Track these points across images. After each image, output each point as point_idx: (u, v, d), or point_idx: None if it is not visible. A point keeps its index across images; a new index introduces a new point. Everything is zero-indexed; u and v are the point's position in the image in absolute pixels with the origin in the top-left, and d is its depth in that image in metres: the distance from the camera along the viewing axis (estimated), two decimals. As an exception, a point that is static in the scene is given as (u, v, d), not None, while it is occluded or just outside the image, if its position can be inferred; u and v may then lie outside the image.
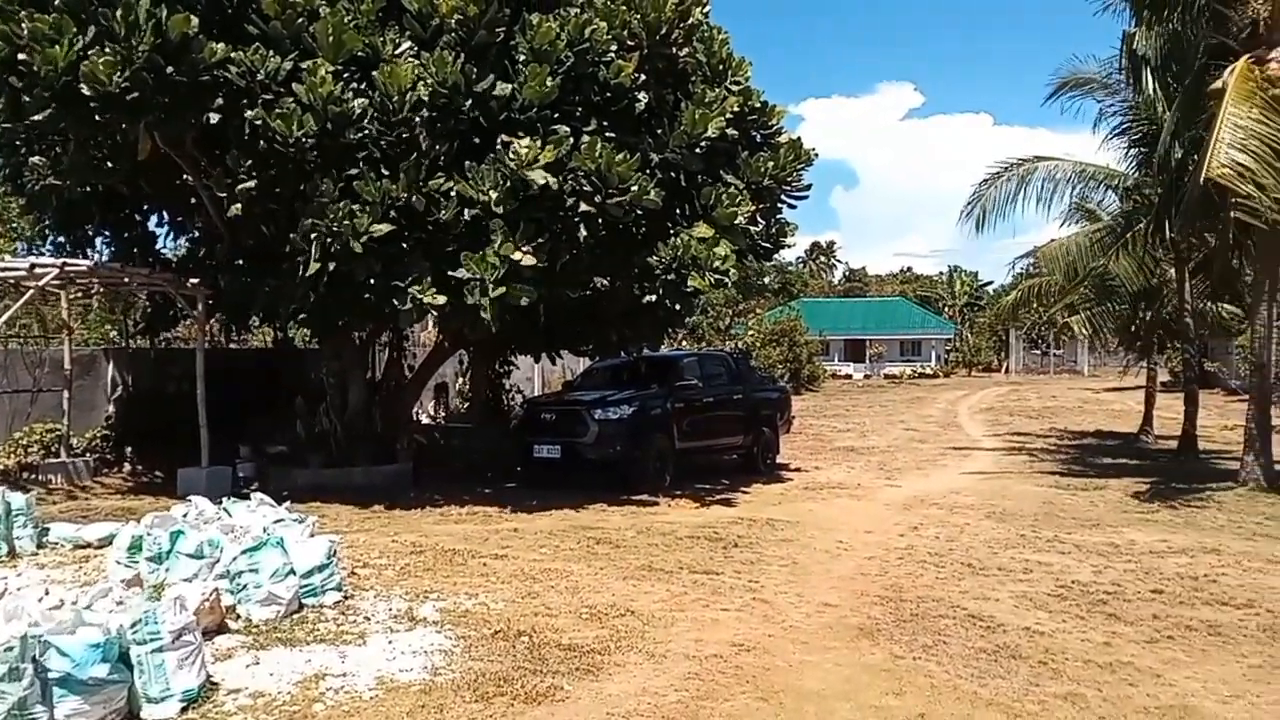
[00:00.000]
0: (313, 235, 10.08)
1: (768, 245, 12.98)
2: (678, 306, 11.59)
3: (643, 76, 11.04)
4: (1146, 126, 15.41)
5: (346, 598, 6.89)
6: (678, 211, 11.75)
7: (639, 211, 10.67)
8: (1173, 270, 17.87)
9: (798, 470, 15.36)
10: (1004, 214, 16.91)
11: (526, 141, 9.88)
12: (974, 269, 78.93)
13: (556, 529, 9.96)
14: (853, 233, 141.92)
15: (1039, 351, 61.73)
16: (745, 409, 15.00)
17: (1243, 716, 4.96)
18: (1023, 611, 6.88)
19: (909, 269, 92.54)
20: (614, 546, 9.04)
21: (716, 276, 10.83)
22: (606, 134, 10.72)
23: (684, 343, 36.71)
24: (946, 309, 70.01)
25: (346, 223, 9.94)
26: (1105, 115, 16.83)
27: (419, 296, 10.16)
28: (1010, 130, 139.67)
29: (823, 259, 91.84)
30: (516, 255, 9.83)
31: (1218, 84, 11.78)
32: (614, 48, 10.78)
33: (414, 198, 10.08)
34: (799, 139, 12.46)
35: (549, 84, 10.21)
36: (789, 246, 13.99)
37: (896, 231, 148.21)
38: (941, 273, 78.15)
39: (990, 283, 68.78)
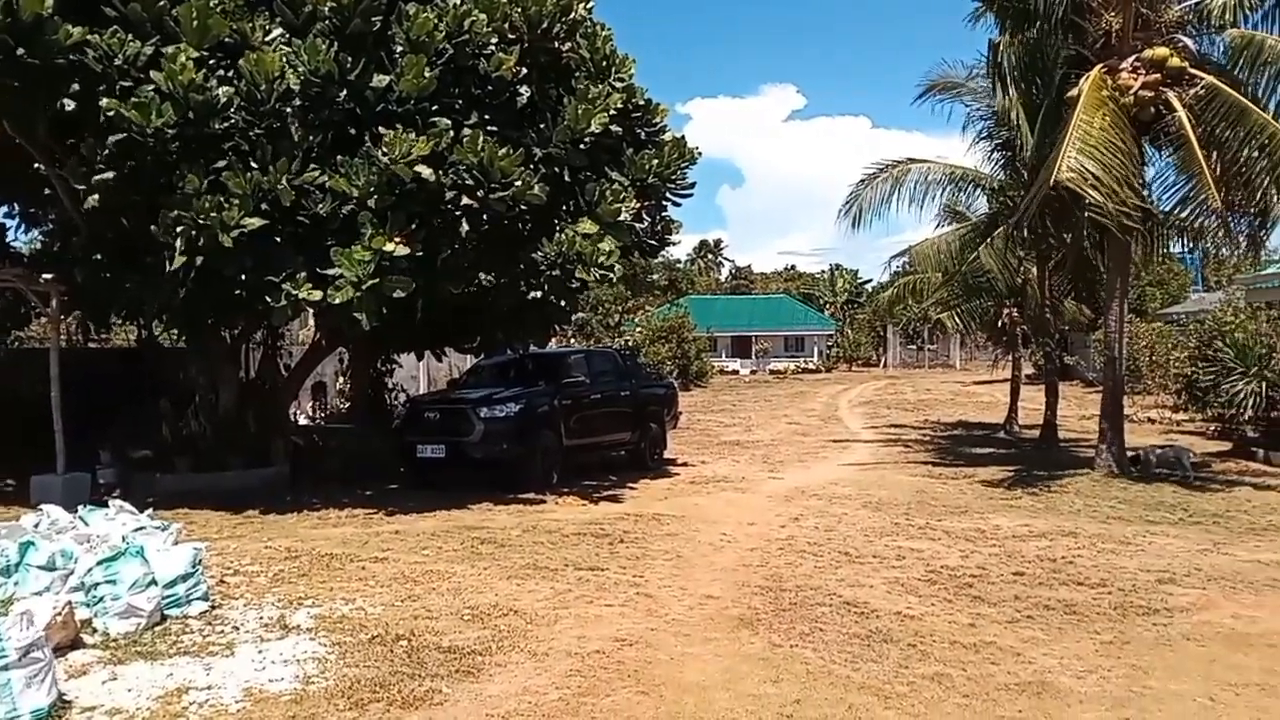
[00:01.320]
0: (178, 229, 9.60)
1: (653, 242, 13.07)
2: (563, 303, 11.57)
3: (525, 70, 10.97)
4: (1010, 131, 16.20)
5: (214, 607, 6.59)
6: (563, 208, 11.71)
7: (523, 207, 10.59)
8: (1035, 269, 18.86)
9: (685, 465, 15.53)
10: (879, 214, 17.48)
11: (402, 134, 9.64)
12: (855, 267, 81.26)
13: (440, 530, 9.78)
14: (739, 231, 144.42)
15: (914, 346, 64.22)
16: (633, 405, 15.06)
17: (1095, 689, 5.26)
18: (895, 597, 7.13)
19: (793, 267, 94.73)
20: (499, 546, 8.94)
21: (601, 272, 10.84)
22: (488, 128, 10.59)
23: (573, 340, 36.65)
24: (828, 306, 72.01)
25: (215, 216, 9.51)
26: (973, 119, 17.65)
27: (293, 293, 9.81)
28: (888, 133, 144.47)
29: (710, 257, 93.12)
30: (389, 246, 9.60)
31: (1073, 91, 12.49)
32: (494, 40, 10.66)
33: (286, 190, 9.72)
34: (683, 137, 12.59)
35: (427, 75, 10.01)
36: (674, 244, 14.14)
37: (781, 230, 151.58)
38: (824, 271, 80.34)
39: (869, 280, 71.05)
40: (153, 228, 9.85)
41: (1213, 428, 19.82)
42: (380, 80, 10.15)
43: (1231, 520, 10.29)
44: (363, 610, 6.65)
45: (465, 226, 10.47)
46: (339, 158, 10.04)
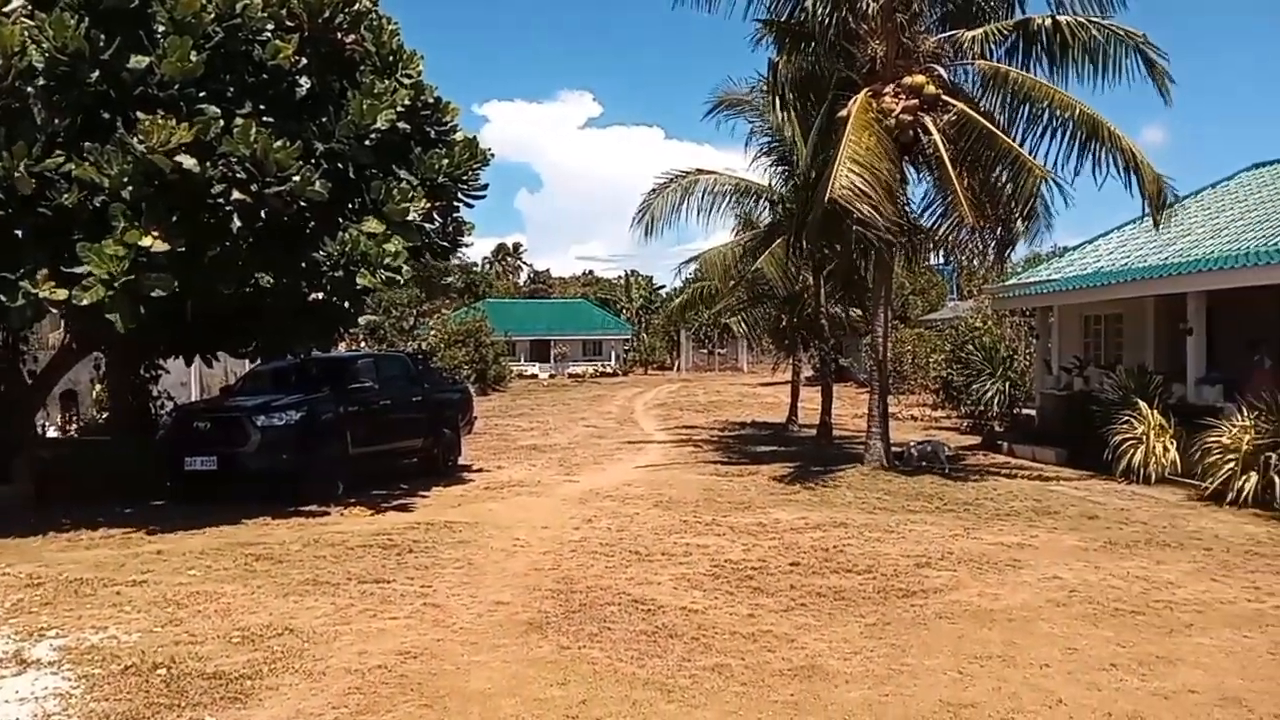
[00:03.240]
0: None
1: (445, 244, 12.78)
2: (348, 305, 11.09)
3: (305, 61, 10.43)
4: (788, 147, 17.13)
5: (-68, 647, 5.81)
6: (348, 206, 11.22)
7: (302, 203, 10.06)
8: (811, 277, 20.03)
9: (480, 471, 15.31)
10: (670, 222, 18.05)
11: (162, 120, 8.90)
12: (650, 273, 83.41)
13: (210, 548, 9.11)
14: (538, 235, 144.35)
15: (706, 350, 66.55)
16: (425, 411, 14.69)
17: (859, 669, 5.62)
18: (681, 593, 7.33)
19: (591, 272, 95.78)
20: (276, 562, 8.43)
21: (388, 274, 10.47)
22: (264, 118, 9.99)
23: (363, 344, 35.30)
24: (625, 311, 73.34)
25: (-63, 204, 8.42)
26: (756, 134, 18.53)
27: (32, 291, 8.84)
28: (680, 144, 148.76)
29: (509, 260, 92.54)
30: (146, 241, 8.85)
31: (844, 112, 13.36)
32: (271, 27, 10.08)
33: (25, 179, 8.74)
34: (475, 138, 12.41)
35: (193, 59, 9.31)
36: (467, 245, 13.90)
37: (579, 235, 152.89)
38: (620, 276, 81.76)
39: (664, 287, 73.04)
40: None
41: (966, 423, 21.85)
42: (139, 61, 9.34)
43: (980, 507, 11.34)
44: (115, 639, 6.08)
45: (237, 222, 9.82)
46: (88, 144, 9.14)
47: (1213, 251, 13.97)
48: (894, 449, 14.99)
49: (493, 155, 12.59)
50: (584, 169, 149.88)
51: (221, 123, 9.53)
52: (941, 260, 20.97)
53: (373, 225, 10.60)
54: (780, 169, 18.34)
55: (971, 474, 14.28)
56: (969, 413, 21.54)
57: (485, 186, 12.56)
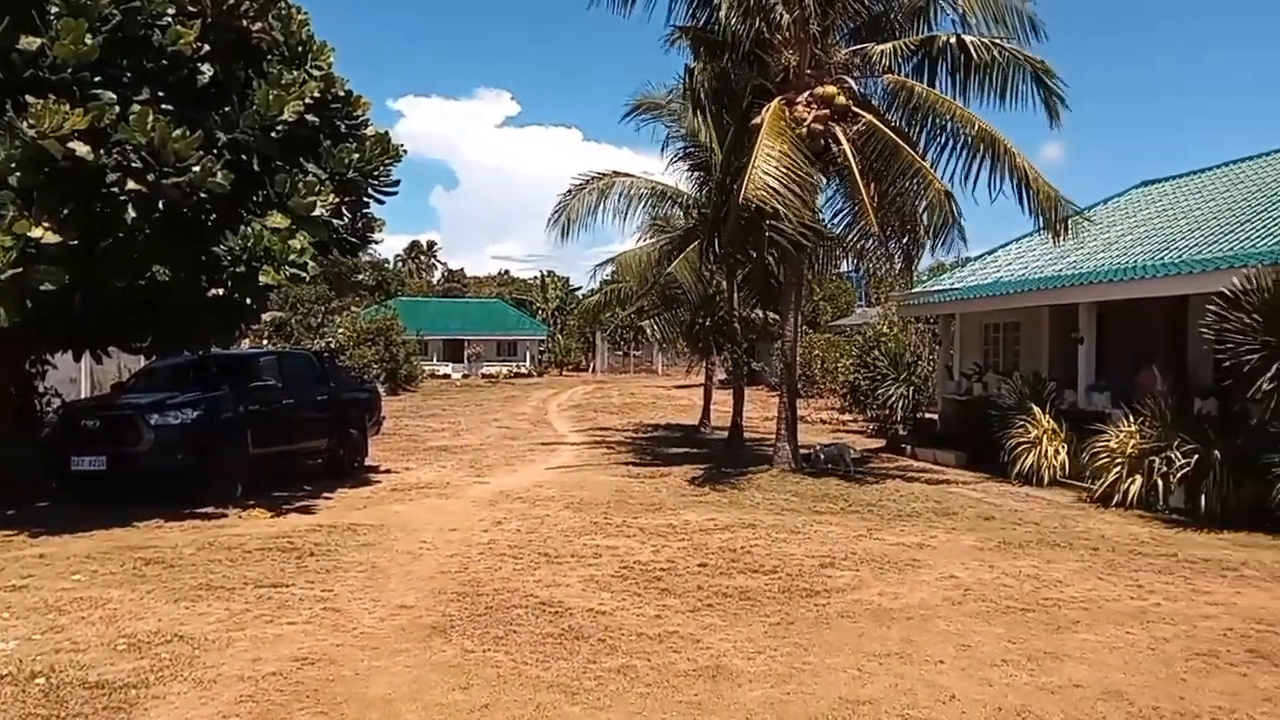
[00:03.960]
0: None
1: (353, 240, 12.48)
2: (249, 301, 10.74)
3: (208, 48, 10.06)
4: (704, 151, 17.30)
5: None
6: (252, 199, 10.86)
7: (203, 195, 9.70)
8: (725, 282, 20.26)
9: (387, 472, 15.02)
10: (587, 224, 18.05)
11: (54, 104, 8.49)
12: (567, 274, 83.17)
13: (97, 552, 8.70)
14: (453, 234, 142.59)
15: (621, 352, 66.76)
16: (331, 410, 14.35)
17: (763, 669, 5.69)
18: (589, 594, 7.32)
19: (507, 272, 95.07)
20: (167, 567, 8.11)
21: (293, 270, 10.18)
22: (163, 106, 9.61)
23: (268, 341, 34.28)
24: (540, 312, 73.03)
25: None
26: (672, 139, 18.65)
27: (-92, 281, 8.31)
28: (599, 146, 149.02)
29: (422, 258, 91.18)
30: (36, 232, 8.42)
31: (758, 119, 13.56)
32: (172, 12, 9.70)
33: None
34: (387, 133, 12.17)
35: (88, 42, 8.90)
36: (377, 242, 13.61)
37: (495, 235, 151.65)
38: (536, 277, 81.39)
39: (580, 288, 73.01)
40: None
41: (872, 427, 22.42)
42: (30, 43, 8.88)
43: (883, 508, 11.64)
44: (-11, 648, 5.75)
45: (133, 213, 9.41)
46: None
47: (1104, 264, 14.63)
48: (802, 451, 15.27)
49: (406, 151, 12.37)
50: (501, 168, 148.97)
51: (117, 109, 9.13)
52: (851, 268, 21.44)
53: (277, 219, 10.29)
54: (696, 174, 18.51)
55: (876, 476, 14.65)
56: (875, 416, 22.10)
57: (397, 183, 12.34)
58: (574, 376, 60.97)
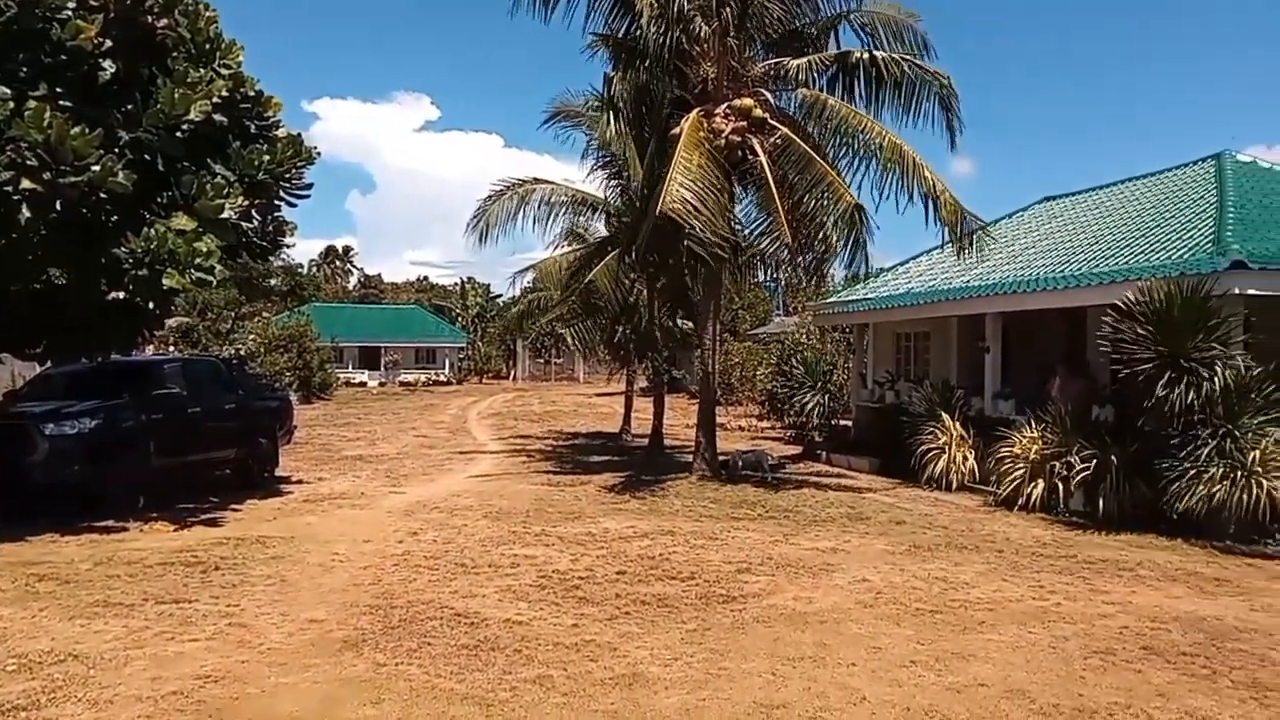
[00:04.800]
0: None
1: (264, 244, 12.13)
2: (152, 305, 10.34)
3: (109, 43, 9.69)
4: (624, 161, 17.36)
5: None
6: (156, 200, 10.48)
7: (103, 195, 9.32)
8: (645, 290, 20.34)
9: (299, 482, 14.63)
10: (506, 230, 17.92)
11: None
12: (487, 281, 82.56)
13: (-15, 568, 8.27)
14: (370, 239, 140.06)
15: (543, 360, 66.43)
16: (239, 419, 13.91)
17: (679, 675, 5.71)
18: (506, 604, 7.25)
19: (425, 278, 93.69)
20: (62, 583, 7.74)
21: (199, 274, 9.85)
22: (61, 102, 9.21)
23: (174, 347, 33.10)
24: (460, 319, 72.20)
25: None
26: (592, 147, 18.66)
27: None
28: (520, 153, 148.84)
29: (338, 263, 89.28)
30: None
31: (677, 130, 13.68)
32: (72, 5, 9.32)
33: None
34: (299, 135, 11.87)
35: (-20, 34, 8.48)
36: (289, 246, 13.35)
37: (414, 241, 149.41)
38: (456, 283, 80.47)
39: (500, 295, 72.49)
40: None
41: (789, 434, 22.75)
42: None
43: (799, 514, 11.83)
44: None
45: (27, 213, 8.99)
46: None
47: (1009, 276, 15.17)
48: (721, 458, 15.41)
49: (319, 153, 12.08)
50: (420, 173, 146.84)
51: (12, 105, 8.72)
52: (768, 277, 21.77)
53: (183, 222, 9.96)
54: (615, 182, 18.56)
55: (792, 482, 14.88)
56: (792, 423, 22.43)
57: (310, 186, 12.05)
58: (494, 384, 60.44)
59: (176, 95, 9.88)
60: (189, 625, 6.55)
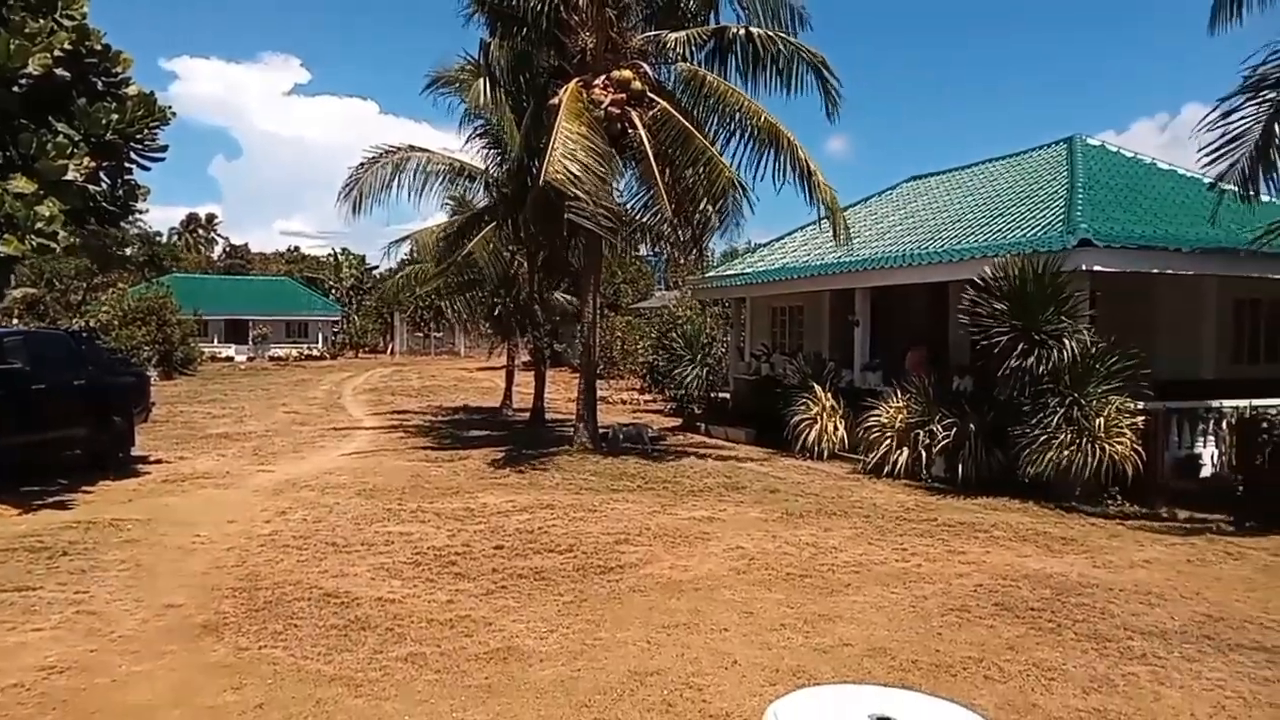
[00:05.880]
0: None
1: (113, 208, 11.38)
2: (-12, 274, 9.59)
3: (-68, -14, 8.86)
4: (504, 130, 17.04)
5: None
6: (-9, 161, 9.71)
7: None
8: (526, 262, 20.13)
9: (158, 462, 13.90)
10: (381, 199, 17.32)
11: None
12: (363, 252, 79.96)
13: None
14: (237, 207, 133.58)
15: (422, 334, 65.03)
16: (91, 396, 13.06)
17: (555, 647, 5.72)
18: (379, 583, 7.09)
19: (296, 249, 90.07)
20: (-115, 574, 7.15)
21: (40, 240, 9.17)
22: (-126, 49, 8.37)
23: (18, 320, 30.87)
24: (334, 291, 69.85)
25: None
26: (470, 115, 18.22)
27: None
28: (398, 120, 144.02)
29: (201, 232, 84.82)
30: None
31: (556, 100, 13.51)
32: (-116, -59, 8.46)
33: None
34: (152, 93, 11.16)
35: None
36: (141, 211, 12.49)
37: (285, 210, 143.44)
38: (330, 254, 77.71)
39: (376, 266, 70.40)
40: None
41: (670, 406, 23.05)
42: None
43: (677, 485, 11.99)
44: None
45: None
46: None
47: (877, 253, 15.69)
48: (602, 431, 15.45)
49: (175, 114, 11.42)
50: (290, 139, 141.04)
51: None
52: (650, 251, 21.87)
53: (22, 184, 9.25)
54: (494, 152, 18.19)
55: (672, 454, 15.06)
56: (673, 396, 22.72)
57: (165, 148, 11.39)
58: (371, 359, 58.83)
59: (13, 47, 9.15)
60: (32, 614, 6.15)
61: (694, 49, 14.52)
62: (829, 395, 14.88)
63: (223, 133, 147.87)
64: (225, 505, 10.45)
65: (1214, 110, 9.56)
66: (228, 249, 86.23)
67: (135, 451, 14.25)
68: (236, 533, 8.93)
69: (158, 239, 65.61)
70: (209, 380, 35.87)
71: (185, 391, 29.06)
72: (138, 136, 10.78)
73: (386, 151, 17.86)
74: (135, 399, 14.57)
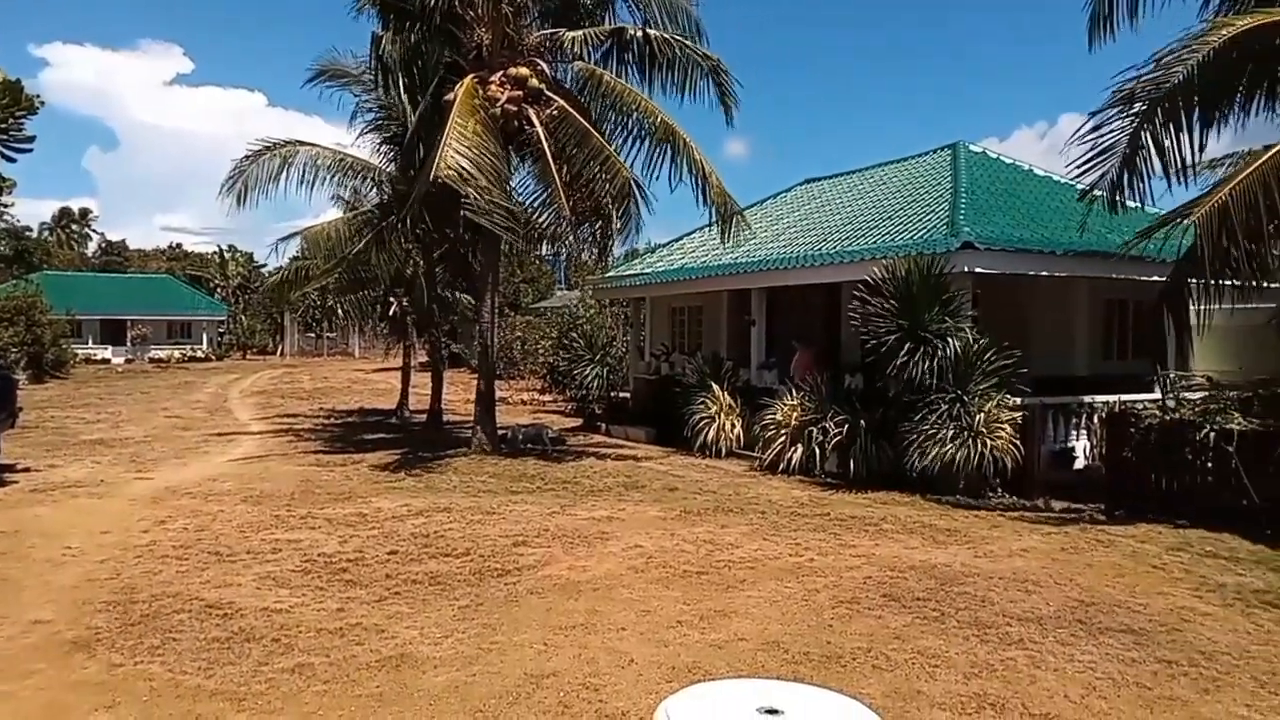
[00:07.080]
0: None
1: (-27, 202, 10.73)
2: None
3: None
4: (397, 125, 16.69)
5: None
6: None
7: None
8: (422, 261, 19.76)
9: (26, 471, 13.10)
10: (267, 193, 16.69)
11: None
12: (251, 249, 76.98)
13: None
14: (114, 201, 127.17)
15: (314, 334, 63.20)
16: (-52, 402, 12.24)
17: (450, 652, 5.62)
18: (264, 592, 6.84)
19: (179, 245, 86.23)
20: None
21: (-112, 235, 8.54)
22: None
23: None
24: (220, 290, 67.21)
25: None
26: (362, 110, 17.81)
27: None
28: (286, 113, 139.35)
29: (74, 228, 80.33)
30: None
31: (450, 96, 13.30)
32: None
33: None
34: (18, 80, 10.60)
35: None
36: (7, 205, 11.84)
37: (166, 204, 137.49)
38: (215, 251, 74.70)
39: (265, 265, 67.98)
40: None
41: (571, 406, 22.99)
42: None
43: (577, 485, 11.97)
44: None
45: None
46: None
47: (773, 254, 15.99)
48: (501, 432, 15.30)
49: (43, 103, 10.90)
50: (171, 130, 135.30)
51: None
52: (550, 250, 21.78)
53: None
54: (387, 148, 17.79)
55: (572, 454, 15.02)
56: (573, 396, 22.66)
57: (33, 138, 10.85)
58: (260, 360, 56.85)
59: None
60: (-123, 638, 5.71)
61: (591, 48, 14.52)
62: (727, 394, 15.09)
63: (98, 123, 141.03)
64: (99, 515, 9.93)
65: (1086, 123, 10.05)
66: (104, 245, 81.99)
67: (1, 460, 13.40)
68: (111, 543, 8.49)
69: (26, 234, 61.83)
70: (83, 384, 34.05)
71: (57, 396, 27.51)
72: (1, 126, 10.15)
73: (274, 145, 17.23)
74: (2, 404, 13.68)
